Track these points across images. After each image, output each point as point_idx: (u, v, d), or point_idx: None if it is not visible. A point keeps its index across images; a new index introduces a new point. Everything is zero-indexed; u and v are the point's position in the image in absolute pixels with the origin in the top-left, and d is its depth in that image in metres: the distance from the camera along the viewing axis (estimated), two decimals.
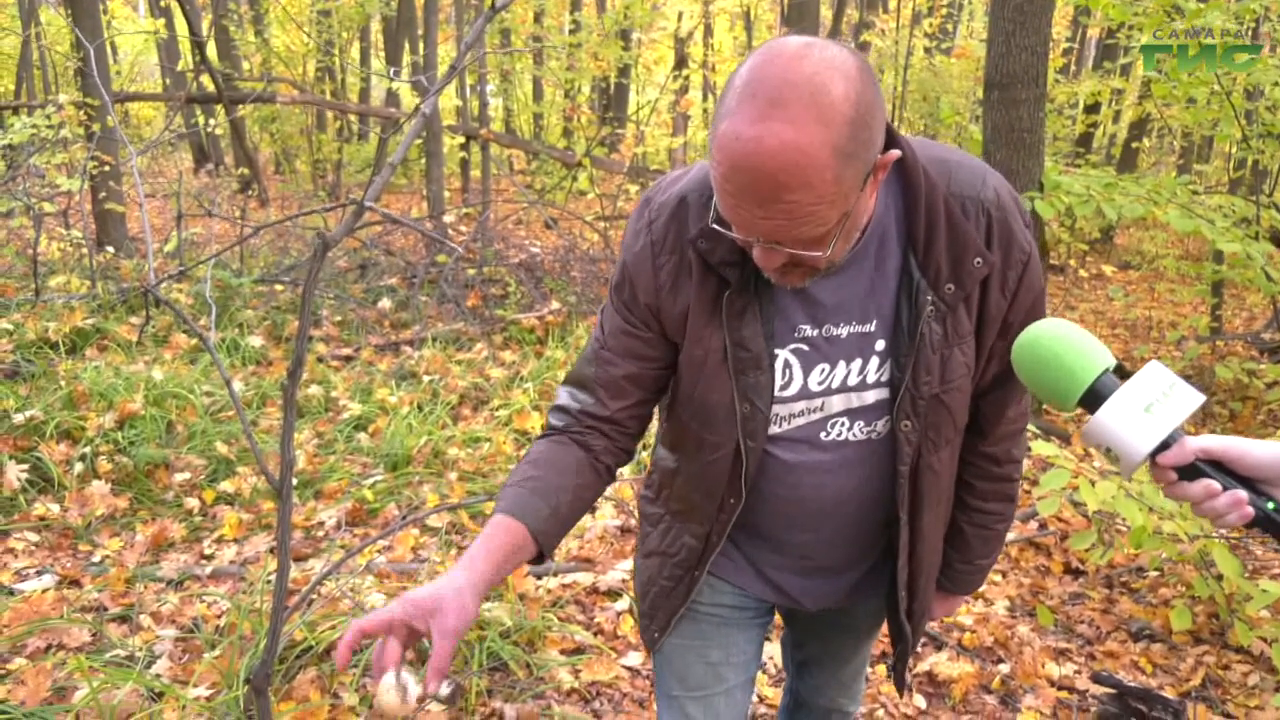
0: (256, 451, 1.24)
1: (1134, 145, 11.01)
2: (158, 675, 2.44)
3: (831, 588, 1.42)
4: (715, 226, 1.10)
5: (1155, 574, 3.35)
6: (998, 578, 3.31)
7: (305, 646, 2.53)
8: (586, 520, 3.52)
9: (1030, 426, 1.45)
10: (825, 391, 1.22)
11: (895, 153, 1.04)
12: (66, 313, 5.30)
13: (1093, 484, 2.60)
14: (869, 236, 1.16)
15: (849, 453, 1.26)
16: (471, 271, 6.48)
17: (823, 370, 1.22)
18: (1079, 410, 0.98)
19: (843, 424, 1.24)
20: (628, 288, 1.24)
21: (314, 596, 2.80)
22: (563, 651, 2.69)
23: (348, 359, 5.22)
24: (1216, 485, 0.92)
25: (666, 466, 1.40)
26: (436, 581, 1.05)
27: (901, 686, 1.55)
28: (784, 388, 1.22)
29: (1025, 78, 4.37)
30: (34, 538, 3.23)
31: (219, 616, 2.77)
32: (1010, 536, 3.59)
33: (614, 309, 1.27)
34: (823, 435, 1.25)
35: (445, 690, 0.94)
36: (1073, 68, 13.85)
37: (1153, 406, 0.92)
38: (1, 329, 5.12)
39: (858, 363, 1.22)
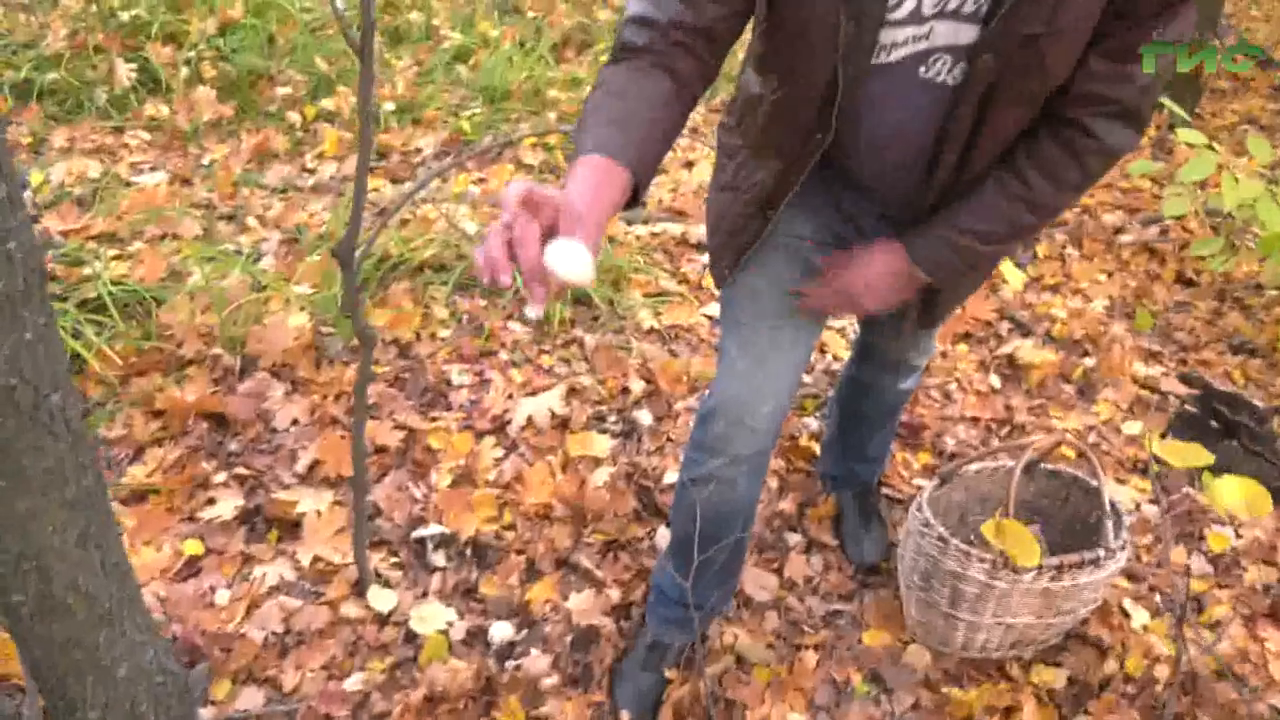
0: (337, 9, 1.16)
1: None
2: (264, 270, 2.58)
3: (901, 226, 1.34)
4: None
5: (1275, 293, 3.17)
6: (1101, 277, 3.17)
7: (399, 260, 2.62)
8: (683, 174, 3.44)
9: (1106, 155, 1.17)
10: (937, 14, 1.06)
11: None
12: None
13: (1236, 181, 2.38)
14: None
15: (941, 96, 1.12)
16: None
17: None
18: None
19: (944, 62, 1.10)
20: None
21: (409, 216, 2.86)
22: (646, 294, 2.73)
23: None
24: None
25: (751, 92, 1.27)
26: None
27: (928, 324, 1.50)
28: (895, 7, 1.06)
29: None
30: (146, 136, 3.32)
31: (320, 225, 2.87)
32: (1125, 239, 3.40)
33: None
34: (922, 71, 1.11)
35: (538, 313, 0.78)
36: None
37: None
38: None
39: None
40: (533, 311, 0.79)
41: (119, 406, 2.08)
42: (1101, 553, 1.64)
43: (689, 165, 3.53)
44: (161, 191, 2.91)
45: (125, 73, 3.48)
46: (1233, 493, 1.05)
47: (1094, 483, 1.76)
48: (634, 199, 1.00)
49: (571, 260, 0.77)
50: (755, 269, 1.40)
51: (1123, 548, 1.68)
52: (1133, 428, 2.46)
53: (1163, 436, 2.41)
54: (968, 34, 1.07)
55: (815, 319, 1.48)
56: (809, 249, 1.40)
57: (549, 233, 0.80)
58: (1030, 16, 1.02)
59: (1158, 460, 1.13)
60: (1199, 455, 1.07)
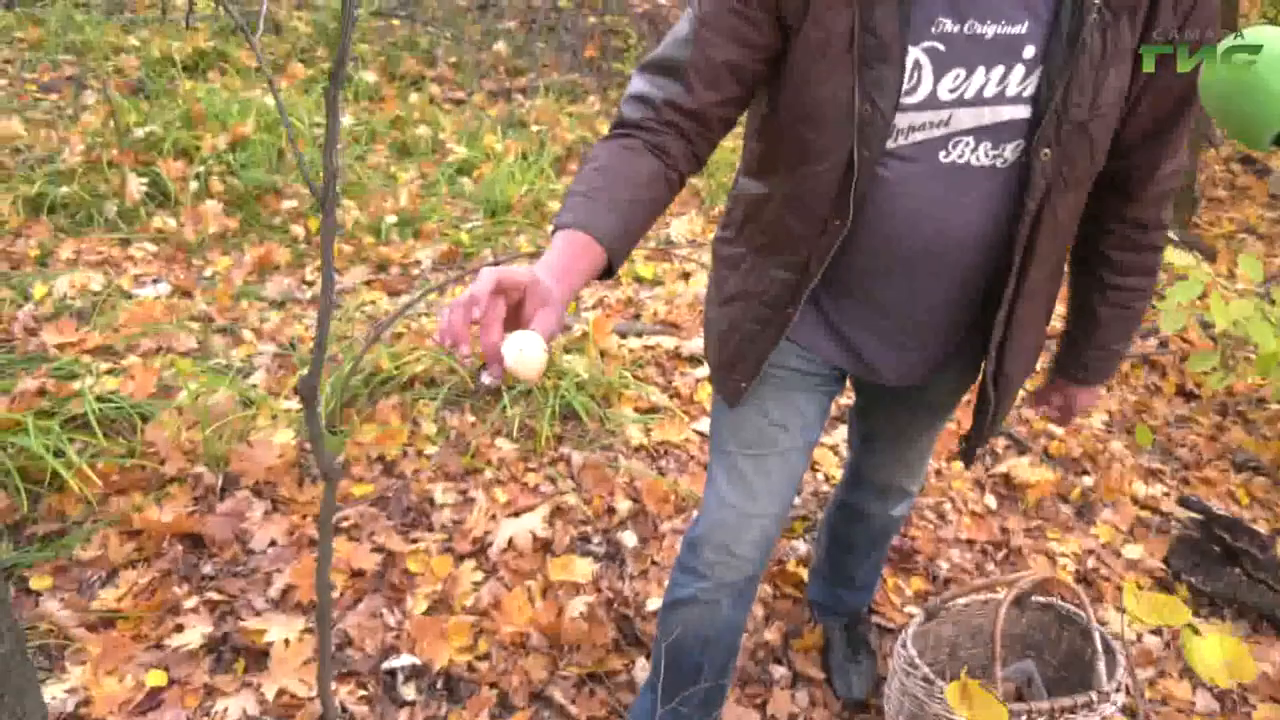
0: (302, 164, 1.18)
1: None
2: (254, 385, 2.58)
3: (914, 359, 1.32)
4: None
5: (1278, 407, 3.13)
6: (1101, 390, 3.14)
7: (389, 375, 2.62)
8: (679, 285, 3.47)
9: (1169, 234, 1.32)
10: (955, 102, 1.07)
11: None
12: (190, 33, 5.32)
13: (1226, 302, 2.37)
14: None
15: (968, 181, 1.12)
16: (592, 20, 6.15)
17: (957, 76, 1.07)
18: (1274, 149, 0.81)
19: (967, 144, 1.10)
20: None
21: (403, 330, 2.87)
22: (637, 409, 2.71)
23: (459, 102, 5.12)
24: None
25: (753, 194, 1.26)
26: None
27: (970, 460, 1.48)
28: (909, 92, 1.07)
29: None
30: (152, 248, 3.38)
31: (315, 338, 2.88)
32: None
33: None
34: (941, 155, 1.10)
35: (495, 381, 0.88)
36: None
37: None
38: (130, 45, 5.19)
39: (999, 70, 1.06)
40: (488, 379, 0.88)
41: (96, 526, 2.06)
42: (1094, 696, 1.57)
43: (685, 276, 3.56)
44: (160, 305, 2.95)
45: (136, 186, 3.58)
46: (1213, 654, 1.00)
47: (1084, 617, 1.70)
48: (609, 271, 1.04)
49: (524, 357, 0.84)
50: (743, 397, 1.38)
51: (1118, 689, 1.60)
52: (1134, 551, 2.39)
53: (1164, 562, 2.34)
54: (994, 115, 1.08)
55: (806, 452, 1.46)
56: (797, 380, 1.38)
57: (516, 309, 0.90)
58: (1080, 102, 1.06)
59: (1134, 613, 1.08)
60: (1175, 612, 1.02)
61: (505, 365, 0.85)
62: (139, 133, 3.85)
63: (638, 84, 1.15)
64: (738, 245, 1.32)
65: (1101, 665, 1.61)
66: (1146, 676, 2.00)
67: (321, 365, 1.27)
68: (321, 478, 1.41)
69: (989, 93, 1.07)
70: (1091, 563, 2.34)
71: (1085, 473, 2.71)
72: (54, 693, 1.69)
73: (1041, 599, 1.84)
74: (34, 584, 1.92)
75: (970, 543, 2.38)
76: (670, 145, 1.11)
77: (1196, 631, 1.03)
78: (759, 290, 1.28)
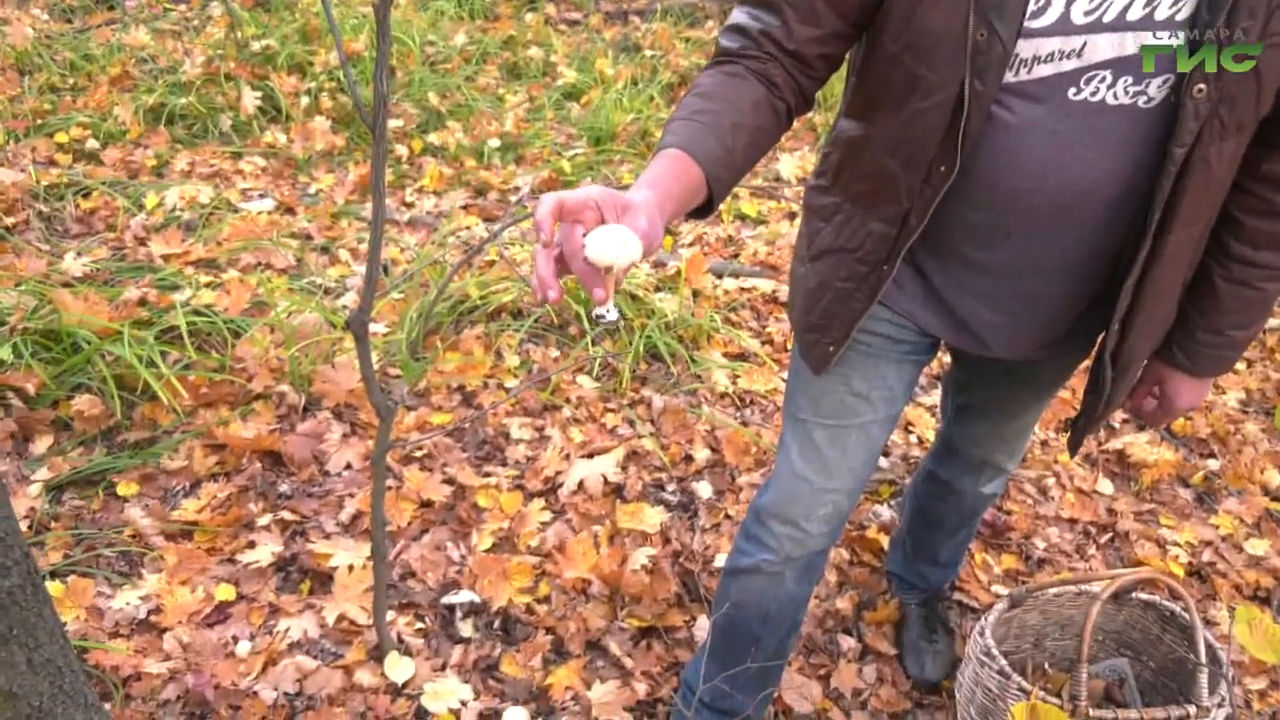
0: (352, 87, 1.11)
1: None
2: (344, 306, 2.59)
3: (1026, 331, 1.17)
4: None
5: None
6: (1240, 365, 2.86)
7: (475, 304, 2.59)
8: (783, 225, 3.31)
9: None
10: (1092, 27, 0.91)
11: None
12: None
13: None
14: None
15: (1102, 123, 0.95)
16: None
17: None
18: None
19: (1103, 79, 0.94)
20: None
21: (494, 259, 2.84)
22: (726, 355, 2.61)
23: (574, 23, 5.00)
24: None
25: (852, 137, 1.13)
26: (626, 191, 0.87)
27: (1076, 448, 1.32)
28: (1036, 14, 0.92)
29: None
30: (261, 163, 3.43)
31: (408, 262, 2.88)
32: (1273, 323, 3.07)
33: None
34: (1071, 92, 0.95)
35: (613, 314, 0.81)
36: None
37: None
38: None
39: None
40: (605, 313, 0.80)
41: (183, 438, 2.11)
42: (1192, 710, 1.42)
43: (791, 217, 3.40)
44: (263, 220, 2.99)
45: (250, 100, 3.62)
46: None
47: (1190, 621, 1.54)
48: (710, 205, 0.96)
49: (607, 244, 0.76)
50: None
51: (1220, 704, 1.45)
52: (1258, 547, 2.18)
53: None
54: (1138, 43, 0.92)
55: (889, 425, 1.34)
56: (887, 348, 1.26)
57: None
58: (1249, 28, 0.88)
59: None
60: None
61: (599, 265, 0.77)
62: (256, 46, 3.89)
63: (736, 15, 1.06)
64: (833, 194, 1.19)
65: (1204, 677, 1.46)
66: (1258, 688, 1.82)
67: (371, 302, 1.22)
68: (377, 415, 1.38)
69: (1134, 15, 0.90)
70: (1207, 555, 2.14)
71: (1212, 455, 2.48)
72: (129, 599, 1.74)
73: (1144, 596, 1.68)
74: (121, 490, 1.99)
75: (1072, 522, 2.21)
76: (774, 74, 1.02)
77: None
78: (854, 245, 1.15)
